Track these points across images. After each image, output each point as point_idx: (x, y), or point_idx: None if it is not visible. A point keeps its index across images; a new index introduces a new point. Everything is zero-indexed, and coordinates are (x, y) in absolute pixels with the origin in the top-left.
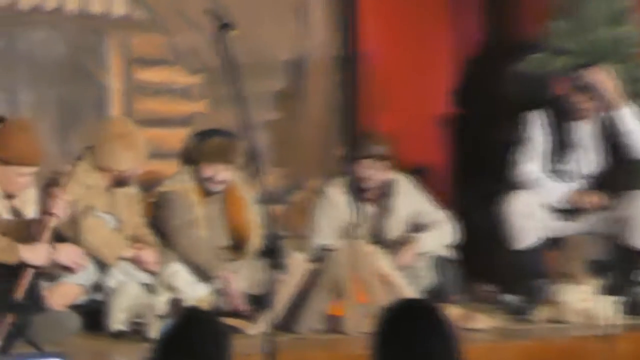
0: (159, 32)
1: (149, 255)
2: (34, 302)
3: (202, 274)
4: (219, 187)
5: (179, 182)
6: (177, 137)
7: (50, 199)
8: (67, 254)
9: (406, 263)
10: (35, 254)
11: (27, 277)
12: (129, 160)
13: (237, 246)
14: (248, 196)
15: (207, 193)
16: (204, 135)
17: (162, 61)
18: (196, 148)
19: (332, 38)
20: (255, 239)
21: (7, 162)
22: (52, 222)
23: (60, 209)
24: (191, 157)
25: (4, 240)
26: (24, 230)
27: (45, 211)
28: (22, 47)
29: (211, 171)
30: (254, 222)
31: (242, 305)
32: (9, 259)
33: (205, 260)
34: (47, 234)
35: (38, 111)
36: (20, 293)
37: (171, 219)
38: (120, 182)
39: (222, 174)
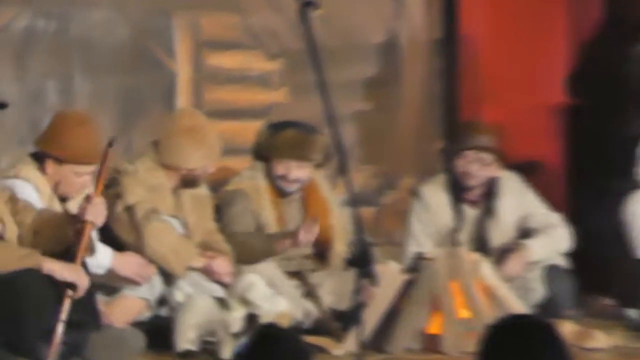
0: (233, 12)
1: (222, 264)
2: (91, 319)
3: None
4: (293, 187)
5: (249, 180)
6: (252, 131)
7: (85, 203)
8: (128, 264)
9: (514, 273)
10: (67, 271)
11: (66, 297)
12: (199, 157)
13: (319, 254)
14: (331, 197)
15: (282, 193)
16: (277, 127)
17: (236, 44)
18: (267, 142)
19: (430, 19)
20: (340, 246)
21: (62, 160)
22: (88, 231)
23: (96, 215)
24: (262, 152)
25: (23, 249)
26: (61, 229)
27: (79, 218)
28: (77, 30)
29: (283, 168)
30: (339, 226)
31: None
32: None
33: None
34: (82, 246)
35: (95, 102)
36: (63, 313)
37: (234, 223)
38: (188, 182)
39: (295, 171)
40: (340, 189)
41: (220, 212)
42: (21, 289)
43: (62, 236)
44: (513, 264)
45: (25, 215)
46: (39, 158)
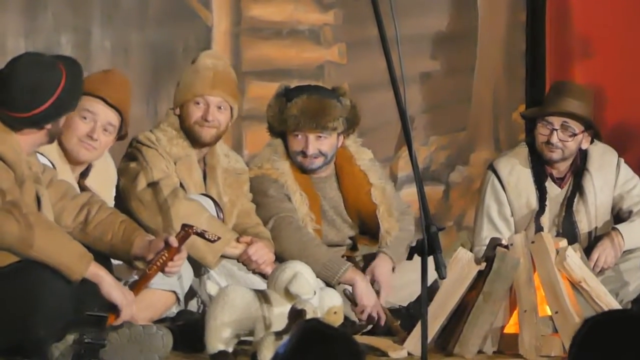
0: None
1: (261, 251)
2: (112, 314)
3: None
4: (316, 163)
5: (268, 162)
6: None
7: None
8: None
9: (607, 264)
10: (117, 292)
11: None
12: (215, 88)
13: (367, 234)
14: (372, 168)
15: (308, 172)
16: (287, 95)
17: None
18: (278, 114)
19: None
20: (388, 224)
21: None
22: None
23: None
24: (276, 127)
25: (76, 244)
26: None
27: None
28: None
29: (300, 143)
30: (384, 201)
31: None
32: (71, 272)
33: (323, 270)
34: (154, 272)
35: (118, 60)
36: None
37: (267, 218)
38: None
39: (314, 144)
40: (402, 164)
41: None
42: (32, 286)
43: (121, 248)
44: (605, 253)
45: (62, 192)
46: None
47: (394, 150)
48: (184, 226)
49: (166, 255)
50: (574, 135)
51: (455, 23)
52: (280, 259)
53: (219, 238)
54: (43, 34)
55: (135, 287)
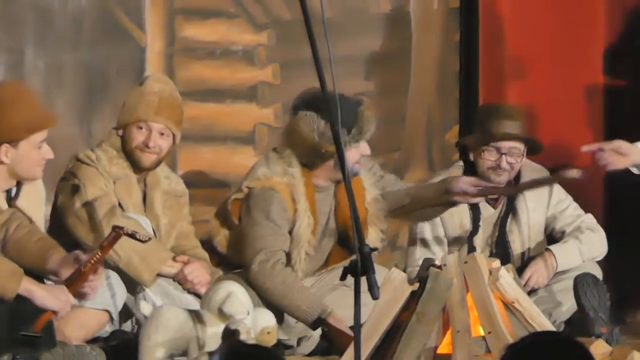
0: None
1: (197, 272)
2: (44, 334)
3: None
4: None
5: (280, 176)
6: (234, 115)
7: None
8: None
9: (538, 284)
10: (50, 299)
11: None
12: (158, 115)
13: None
14: (368, 178)
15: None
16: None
17: (216, 13)
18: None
19: None
20: (376, 234)
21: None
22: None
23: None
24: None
25: (8, 265)
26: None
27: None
28: None
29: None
30: (372, 218)
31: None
32: (5, 290)
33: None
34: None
35: (51, 81)
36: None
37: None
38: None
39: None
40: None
41: (244, 213)
42: None
43: (37, 265)
44: (537, 273)
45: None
46: None
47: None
48: (114, 227)
49: (99, 254)
50: (519, 156)
51: (389, 44)
52: (261, 296)
53: (149, 239)
54: None
55: (71, 285)
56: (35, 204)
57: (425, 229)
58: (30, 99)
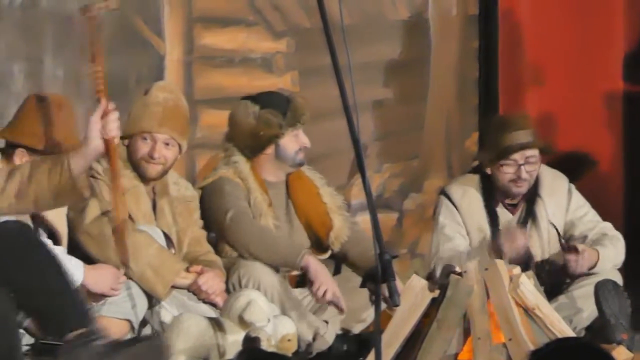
0: None
1: (211, 282)
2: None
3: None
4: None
5: (228, 166)
6: None
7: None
8: (102, 277)
9: (575, 269)
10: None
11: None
12: (162, 126)
13: (317, 247)
14: (314, 177)
15: (265, 180)
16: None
17: (235, 21)
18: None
19: None
20: (340, 232)
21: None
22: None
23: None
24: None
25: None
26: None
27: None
28: (49, 3)
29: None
30: (332, 208)
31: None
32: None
33: (284, 257)
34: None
35: (69, 89)
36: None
37: (224, 212)
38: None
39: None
40: (356, 191)
41: (204, 211)
42: None
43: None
44: (582, 259)
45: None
46: (3, 150)
47: (347, 177)
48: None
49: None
50: (535, 163)
51: (408, 51)
52: (239, 250)
53: None
54: None
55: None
56: (60, 215)
57: (447, 226)
58: (70, 119)
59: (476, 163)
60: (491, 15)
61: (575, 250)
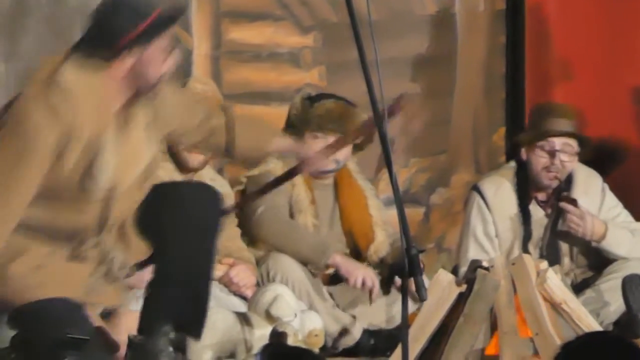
0: None
1: (242, 274)
2: (90, 338)
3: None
4: (328, 168)
5: (276, 161)
6: (280, 117)
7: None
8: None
9: (568, 224)
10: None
11: None
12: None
13: (355, 254)
14: (366, 185)
15: (313, 178)
16: (314, 99)
17: (262, 15)
18: (302, 114)
19: None
20: (381, 246)
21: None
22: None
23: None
24: (295, 126)
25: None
26: None
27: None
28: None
29: (318, 144)
30: (377, 222)
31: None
32: None
33: (306, 256)
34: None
35: None
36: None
37: (256, 206)
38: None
39: None
40: (383, 186)
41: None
42: None
43: None
44: (578, 219)
45: None
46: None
47: (374, 172)
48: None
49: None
50: (573, 155)
51: (434, 46)
52: (267, 244)
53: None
54: (25, 58)
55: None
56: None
57: (478, 229)
58: None
59: (503, 160)
60: (518, 10)
61: (574, 201)
